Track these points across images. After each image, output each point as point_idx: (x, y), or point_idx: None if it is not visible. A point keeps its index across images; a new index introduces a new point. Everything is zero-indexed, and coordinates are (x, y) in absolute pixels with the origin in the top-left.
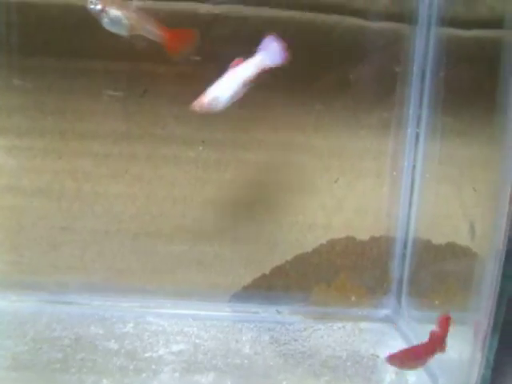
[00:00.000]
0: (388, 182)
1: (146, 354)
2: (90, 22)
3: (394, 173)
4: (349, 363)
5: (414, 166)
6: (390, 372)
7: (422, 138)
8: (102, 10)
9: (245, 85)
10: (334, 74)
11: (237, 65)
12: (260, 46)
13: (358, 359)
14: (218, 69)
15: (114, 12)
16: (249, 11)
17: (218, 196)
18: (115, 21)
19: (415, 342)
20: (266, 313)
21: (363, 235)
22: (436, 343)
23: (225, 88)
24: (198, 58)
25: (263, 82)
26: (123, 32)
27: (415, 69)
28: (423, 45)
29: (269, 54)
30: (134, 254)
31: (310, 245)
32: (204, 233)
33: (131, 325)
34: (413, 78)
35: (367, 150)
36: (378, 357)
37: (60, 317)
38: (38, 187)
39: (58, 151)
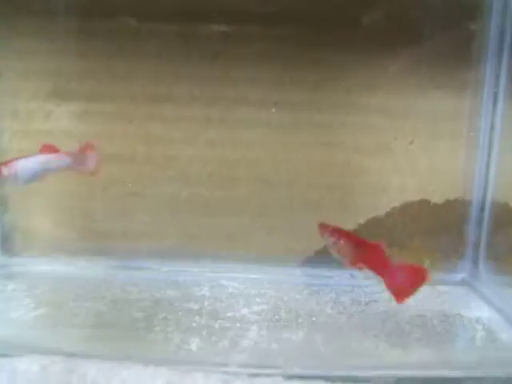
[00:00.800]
0: (464, 144)
1: (229, 314)
2: None
3: (471, 134)
4: (435, 321)
5: (492, 127)
6: (480, 330)
7: (500, 98)
8: None
9: (47, 173)
10: (408, 34)
11: (48, 152)
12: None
13: (444, 318)
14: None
15: None
16: None
17: (291, 159)
18: None
19: (498, 305)
20: (339, 277)
21: (438, 198)
22: None
23: (27, 168)
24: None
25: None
26: None
27: (493, 26)
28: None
29: (79, 160)
30: (206, 219)
31: (383, 208)
32: (276, 197)
33: (206, 288)
34: (490, 35)
35: (443, 110)
36: (463, 316)
37: (134, 281)
38: (108, 152)
39: (128, 115)
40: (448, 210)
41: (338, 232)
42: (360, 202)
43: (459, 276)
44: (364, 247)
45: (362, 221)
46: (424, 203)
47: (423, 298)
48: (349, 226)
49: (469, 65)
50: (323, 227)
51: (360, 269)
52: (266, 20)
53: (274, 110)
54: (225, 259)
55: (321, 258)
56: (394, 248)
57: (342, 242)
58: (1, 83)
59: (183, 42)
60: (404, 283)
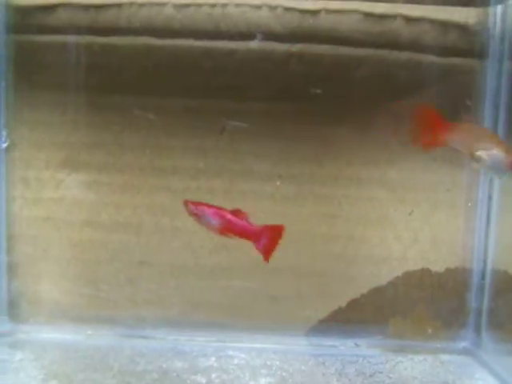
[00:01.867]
0: (463, 214)
1: None
2: (168, 62)
3: (469, 204)
4: None
5: (489, 197)
6: None
7: None
8: None
9: None
10: (406, 108)
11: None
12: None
13: None
14: (296, 106)
15: None
16: (324, 49)
17: (294, 230)
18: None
19: (502, 375)
20: (344, 346)
21: (439, 267)
22: None
23: None
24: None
25: (338, 117)
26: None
27: (487, 103)
28: (495, 79)
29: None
30: (211, 289)
31: (385, 277)
32: (280, 267)
33: (213, 358)
34: (485, 111)
35: (441, 182)
36: None
37: (141, 351)
38: (116, 222)
39: (136, 186)
40: (449, 279)
41: (202, 206)
42: (363, 272)
43: (461, 344)
44: (228, 217)
45: (364, 291)
46: (425, 272)
47: (427, 369)
48: (351, 295)
49: None
50: (187, 204)
51: (229, 237)
52: (269, 97)
53: (278, 182)
54: (230, 328)
55: (325, 327)
56: (397, 317)
57: (206, 215)
58: (14, 153)
59: (190, 117)
60: (269, 242)
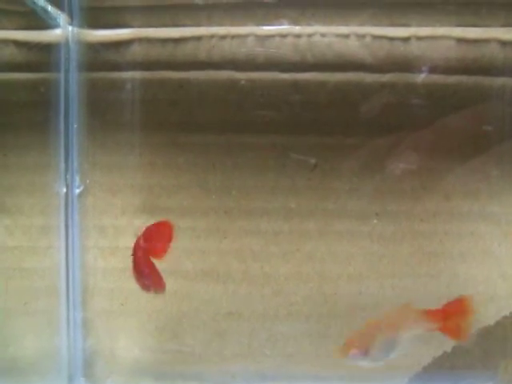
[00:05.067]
0: None
1: None
2: (253, 96)
3: None
4: None
5: None
6: None
7: None
8: None
9: None
10: (503, 137)
11: None
12: None
13: None
14: (386, 142)
15: None
16: (417, 78)
17: (395, 271)
18: None
19: None
20: None
21: None
22: None
23: None
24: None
25: (434, 150)
26: None
27: None
28: None
29: None
30: (307, 338)
31: (492, 317)
32: (381, 311)
33: None
34: None
35: None
36: None
37: None
38: (201, 270)
39: (223, 230)
40: None
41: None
42: None
43: None
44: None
45: (472, 331)
46: None
47: None
48: None
49: None
50: None
51: None
52: (360, 130)
53: (375, 221)
54: (328, 380)
55: (430, 374)
56: (508, 360)
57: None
58: (87, 199)
59: (278, 154)
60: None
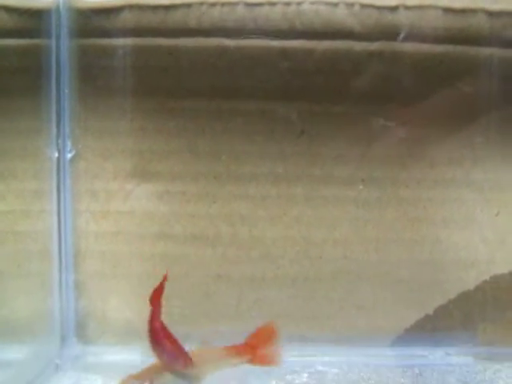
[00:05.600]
0: None
1: None
2: (243, 63)
3: None
4: None
5: None
6: None
7: None
8: None
9: None
10: (490, 106)
11: None
12: None
13: None
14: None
15: None
16: (404, 47)
17: (379, 236)
18: None
19: None
20: (433, 355)
21: None
22: None
23: None
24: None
25: (421, 118)
26: None
27: None
28: None
29: None
30: (292, 300)
31: (473, 282)
32: (365, 275)
33: (306, 375)
34: None
35: None
36: None
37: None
38: (191, 233)
39: (212, 195)
40: None
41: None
42: (450, 277)
43: None
44: None
45: (452, 296)
46: None
47: None
48: (439, 301)
49: None
50: None
51: None
52: (349, 98)
53: (361, 186)
54: (313, 341)
55: (412, 335)
56: (486, 323)
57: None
58: (79, 163)
59: (267, 120)
60: None
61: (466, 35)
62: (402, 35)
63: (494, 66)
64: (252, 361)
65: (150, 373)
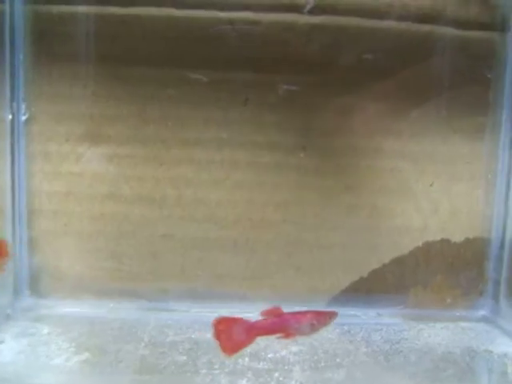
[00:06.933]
0: (483, 185)
1: (270, 355)
2: (192, 33)
3: (489, 176)
4: (467, 358)
5: (509, 169)
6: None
7: None
8: None
9: None
10: (427, 81)
11: None
12: None
13: (474, 354)
14: (318, 78)
15: None
16: (346, 21)
17: (318, 201)
18: None
19: None
20: (366, 315)
21: (458, 237)
22: None
23: None
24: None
25: (360, 88)
26: None
27: (508, 75)
28: None
29: None
30: (234, 260)
31: (406, 247)
32: (303, 238)
33: None
34: (505, 83)
35: (461, 154)
36: (491, 352)
37: (167, 323)
38: (138, 195)
39: (159, 159)
40: (468, 249)
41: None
42: (384, 242)
43: (480, 312)
44: None
45: (386, 261)
46: (445, 242)
47: (449, 335)
48: (373, 265)
49: (486, 110)
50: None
51: None
52: (291, 69)
53: (302, 154)
54: (253, 299)
55: (347, 297)
56: (417, 287)
57: None
58: (33, 126)
59: (213, 89)
60: None
61: (407, 12)
62: (307, 7)
63: (430, 43)
64: None
65: None
